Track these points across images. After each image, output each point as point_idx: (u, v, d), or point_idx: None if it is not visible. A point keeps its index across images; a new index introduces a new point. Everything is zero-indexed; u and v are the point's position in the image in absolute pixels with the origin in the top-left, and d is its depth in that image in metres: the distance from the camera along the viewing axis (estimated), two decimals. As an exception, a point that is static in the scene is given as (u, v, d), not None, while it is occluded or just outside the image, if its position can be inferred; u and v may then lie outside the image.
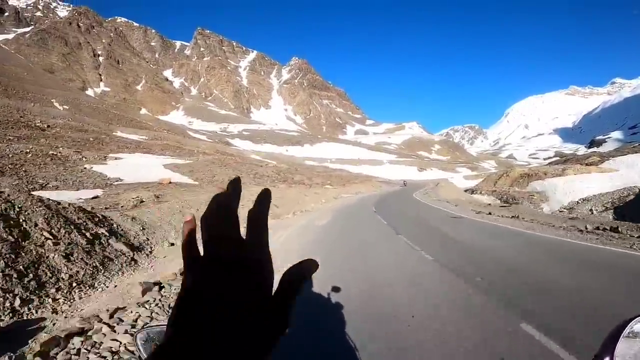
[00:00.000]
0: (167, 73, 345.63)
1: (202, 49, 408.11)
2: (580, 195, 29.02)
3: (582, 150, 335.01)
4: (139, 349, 1.18)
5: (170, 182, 16.92)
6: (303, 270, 0.45)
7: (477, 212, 21.50)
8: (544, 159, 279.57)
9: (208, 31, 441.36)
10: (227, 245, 0.46)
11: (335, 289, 6.10)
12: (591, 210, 25.12)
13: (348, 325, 4.64)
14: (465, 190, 50.23)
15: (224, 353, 0.39)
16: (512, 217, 18.88)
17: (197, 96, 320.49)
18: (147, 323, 5.10)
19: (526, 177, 41.72)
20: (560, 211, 24.75)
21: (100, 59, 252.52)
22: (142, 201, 13.55)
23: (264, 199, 0.48)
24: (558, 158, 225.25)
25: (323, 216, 18.74)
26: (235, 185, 0.49)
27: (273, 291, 0.46)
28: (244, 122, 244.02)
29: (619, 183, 29.07)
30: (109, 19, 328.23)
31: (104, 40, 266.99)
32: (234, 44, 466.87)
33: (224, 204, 0.47)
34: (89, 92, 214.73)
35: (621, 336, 0.99)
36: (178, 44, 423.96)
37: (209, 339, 0.40)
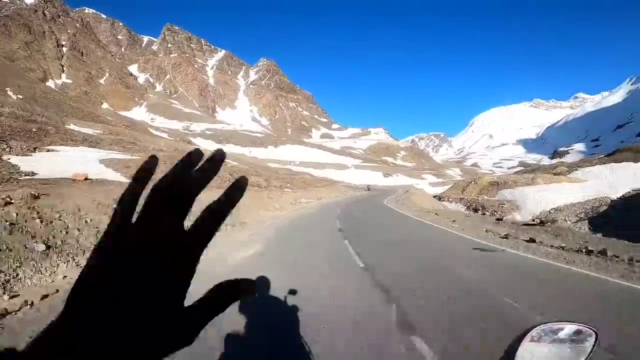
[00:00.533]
0: (133, 68, 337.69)
1: (169, 45, 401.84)
2: (551, 205, 28.23)
3: (545, 160, 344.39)
4: None
5: (86, 179, 15.86)
6: (236, 290, 0.43)
7: (502, 236, 13.81)
8: (508, 168, 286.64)
9: (177, 27, 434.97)
10: (161, 230, 0.41)
11: None
12: (565, 219, 24.53)
13: None
14: (433, 197, 49.20)
15: (102, 352, 0.35)
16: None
17: (162, 93, 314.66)
18: None
19: (495, 185, 41.11)
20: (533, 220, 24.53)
21: (64, 49, 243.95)
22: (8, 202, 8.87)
23: (236, 189, 0.44)
24: (522, 167, 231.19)
25: (256, 238, 12.16)
26: (203, 168, 0.43)
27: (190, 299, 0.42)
28: (208, 121, 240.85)
29: (591, 193, 28.84)
30: (77, 9, 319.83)
31: (69, 31, 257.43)
32: (203, 41, 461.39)
33: (184, 179, 0.42)
34: (50, 83, 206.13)
35: (522, 343, 1.03)
36: (146, 39, 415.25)
37: (93, 336, 0.36)
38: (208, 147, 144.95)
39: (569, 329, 1.06)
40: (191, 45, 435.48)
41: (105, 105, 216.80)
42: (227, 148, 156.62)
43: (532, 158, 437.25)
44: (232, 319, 4.16)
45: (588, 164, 47.22)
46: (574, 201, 27.70)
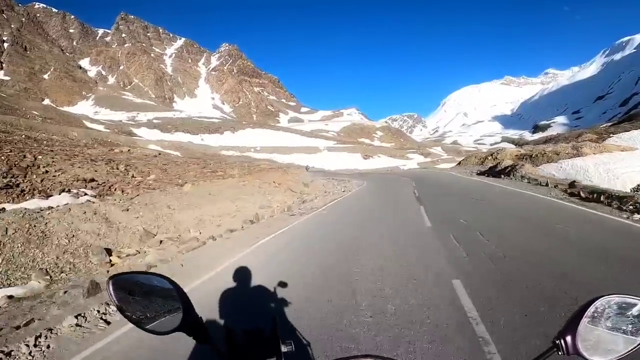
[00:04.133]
0: (85, 61, 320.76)
1: (123, 35, 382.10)
2: (630, 182, 20.21)
3: (527, 135, 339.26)
4: (111, 294, 1.21)
5: None
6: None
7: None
8: (491, 145, 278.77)
9: (132, 16, 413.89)
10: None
11: None
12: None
13: None
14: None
15: None
16: None
17: (115, 85, 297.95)
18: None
19: (526, 159, 33.67)
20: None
21: (5, 45, 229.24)
22: None
23: None
24: (506, 143, 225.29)
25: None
26: None
27: None
28: (159, 110, 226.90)
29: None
30: (27, 5, 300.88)
31: (12, 26, 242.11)
32: (160, 30, 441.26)
33: None
34: None
35: (584, 315, 0.96)
36: (101, 31, 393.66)
37: None
38: (152, 137, 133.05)
39: (634, 303, 0.97)
40: (148, 34, 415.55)
41: (46, 102, 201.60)
42: (175, 136, 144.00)
43: (512, 133, 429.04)
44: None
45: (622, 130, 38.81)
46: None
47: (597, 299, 0.96)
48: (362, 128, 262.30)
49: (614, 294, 0.97)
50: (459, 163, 50.96)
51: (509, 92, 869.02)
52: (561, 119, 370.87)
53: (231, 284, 6.32)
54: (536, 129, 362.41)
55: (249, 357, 1.21)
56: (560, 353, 1.03)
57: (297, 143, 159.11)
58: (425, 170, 50.48)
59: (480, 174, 33.76)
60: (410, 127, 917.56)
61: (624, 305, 0.96)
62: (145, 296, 1.21)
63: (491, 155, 42.61)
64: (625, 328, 0.97)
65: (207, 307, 5.51)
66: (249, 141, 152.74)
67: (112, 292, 1.20)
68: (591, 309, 0.96)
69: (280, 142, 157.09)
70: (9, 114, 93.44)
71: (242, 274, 7.02)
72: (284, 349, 1.22)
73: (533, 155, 34.67)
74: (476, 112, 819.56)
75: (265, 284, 6.06)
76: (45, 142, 38.28)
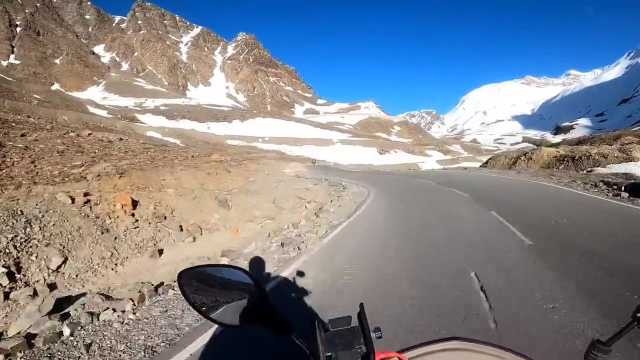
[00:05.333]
0: (100, 48, 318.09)
1: (139, 22, 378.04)
2: None
3: (548, 136, 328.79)
4: (181, 289, 1.20)
5: None
6: None
7: None
8: (511, 144, 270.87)
9: (149, 3, 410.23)
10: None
11: None
12: None
13: None
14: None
15: None
16: None
17: (128, 72, 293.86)
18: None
19: (570, 161, 30.41)
20: None
21: (18, 29, 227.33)
22: None
23: None
24: (527, 143, 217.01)
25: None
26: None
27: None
28: (169, 97, 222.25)
29: None
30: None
31: (27, 10, 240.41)
32: (177, 18, 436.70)
33: None
34: None
35: None
36: (117, 18, 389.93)
37: None
38: (156, 123, 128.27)
39: None
40: (164, 22, 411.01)
41: (55, 86, 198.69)
42: (180, 124, 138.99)
43: (533, 134, 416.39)
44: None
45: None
46: None
47: None
48: (379, 122, 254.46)
49: None
50: (486, 163, 44.46)
51: (530, 92, 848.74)
52: (584, 121, 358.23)
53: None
54: (558, 130, 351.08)
55: (337, 346, 1.14)
56: None
57: (310, 134, 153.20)
58: (462, 172, 33.13)
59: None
60: (428, 124, 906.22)
61: None
62: (218, 289, 1.17)
63: (524, 155, 37.40)
64: None
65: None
66: (258, 131, 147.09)
67: (183, 286, 1.19)
68: None
69: (291, 133, 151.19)
70: (5, 97, 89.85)
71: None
72: (373, 336, 1.16)
73: (576, 158, 30.49)
74: (495, 111, 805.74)
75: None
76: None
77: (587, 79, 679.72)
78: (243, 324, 1.12)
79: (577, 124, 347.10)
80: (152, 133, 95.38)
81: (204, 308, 1.15)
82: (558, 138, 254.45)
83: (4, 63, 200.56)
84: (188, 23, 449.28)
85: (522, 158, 36.57)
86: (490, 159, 46.21)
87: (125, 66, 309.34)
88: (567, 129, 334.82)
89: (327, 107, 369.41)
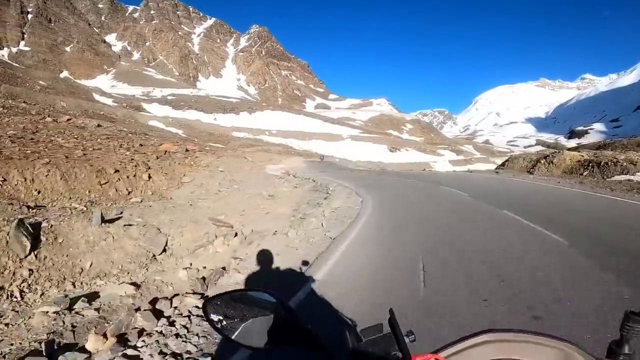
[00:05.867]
0: (112, 37, 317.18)
1: (152, 12, 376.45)
2: None
3: (562, 140, 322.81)
4: (209, 318, 1.18)
5: None
6: None
7: None
8: (525, 147, 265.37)
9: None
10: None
11: None
12: None
13: None
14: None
15: None
16: None
17: (139, 61, 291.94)
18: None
19: (595, 167, 27.34)
20: None
21: (30, 16, 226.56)
22: None
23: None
24: (541, 147, 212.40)
25: None
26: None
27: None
28: (178, 87, 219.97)
29: None
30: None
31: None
32: (191, 9, 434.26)
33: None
34: (4, 51, 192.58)
35: None
36: (130, 8, 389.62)
37: None
38: (162, 112, 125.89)
39: None
40: (177, 12, 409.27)
41: (64, 74, 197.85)
42: (186, 114, 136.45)
43: (547, 137, 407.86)
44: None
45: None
46: None
47: None
48: (391, 119, 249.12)
49: None
50: (503, 165, 40.98)
51: (544, 95, 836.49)
52: (599, 126, 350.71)
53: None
54: (572, 134, 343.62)
55: (373, 357, 1.12)
56: None
57: (319, 129, 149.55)
58: (489, 176, 29.76)
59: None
60: (441, 123, 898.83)
61: None
62: (246, 313, 1.16)
63: (545, 158, 33.84)
64: None
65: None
66: (266, 124, 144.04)
67: (209, 315, 1.18)
68: None
69: (300, 127, 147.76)
70: (8, 83, 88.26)
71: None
72: (407, 340, 1.12)
73: (602, 163, 27.24)
74: (509, 112, 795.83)
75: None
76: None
77: (603, 83, 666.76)
78: (274, 345, 1.11)
79: (591, 129, 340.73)
80: (154, 122, 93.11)
81: (235, 334, 1.13)
82: (572, 142, 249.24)
83: (14, 49, 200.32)
84: (201, 14, 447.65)
85: (542, 162, 33.51)
86: (506, 161, 42.73)
87: (136, 55, 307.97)
88: (581, 134, 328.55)
89: (339, 102, 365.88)
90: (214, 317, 1.17)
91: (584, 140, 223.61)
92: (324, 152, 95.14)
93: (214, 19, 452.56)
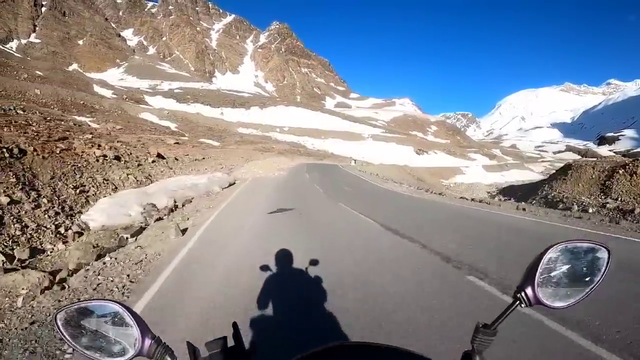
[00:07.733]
0: (129, 32, 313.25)
1: (170, 7, 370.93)
2: None
3: (592, 146, 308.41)
4: (59, 329, 1.05)
5: None
6: None
7: None
8: (554, 153, 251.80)
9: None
10: None
11: None
12: None
13: None
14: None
15: None
16: None
17: (154, 56, 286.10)
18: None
19: None
20: None
21: (43, 9, 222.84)
22: None
23: None
24: (572, 153, 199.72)
25: None
26: None
27: None
28: (188, 81, 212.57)
29: None
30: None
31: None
32: (210, 5, 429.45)
33: None
34: (13, 43, 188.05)
35: (539, 266, 1.00)
36: (149, 4, 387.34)
37: None
38: (165, 105, 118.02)
39: (585, 246, 1.03)
40: (196, 8, 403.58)
41: (73, 67, 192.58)
42: (190, 107, 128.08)
43: (575, 143, 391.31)
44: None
45: None
46: None
47: (549, 248, 1.00)
48: (415, 120, 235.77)
49: (564, 241, 1.02)
50: (565, 174, 28.46)
51: (569, 100, 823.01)
52: (630, 133, 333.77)
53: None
54: (602, 140, 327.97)
55: None
56: (523, 305, 1.06)
57: (337, 127, 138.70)
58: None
59: None
60: (464, 127, 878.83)
61: (575, 250, 1.02)
62: (99, 326, 1.07)
63: (623, 168, 24.61)
64: (580, 272, 1.02)
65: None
66: (279, 120, 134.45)
67: (61, 328, 1.06)
68: (545, 258, 0.99)
69: (316, 124, 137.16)
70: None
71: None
72: (249, 353, 1.15)
73: None
74: (533, 117, 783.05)
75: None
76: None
77: (630, 89, 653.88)
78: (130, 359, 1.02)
79: (622, 135, 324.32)
80: (146, 115, 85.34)
81: (88, 348, 1.03)
82: (603, 149, 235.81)
83: (23, 41, 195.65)
84: (221, 11, 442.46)
85: (619, 172, 23.47)
86: (570, 170, 29.98)
87: (152, 50, 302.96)
88: (612, 140, 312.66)
89: (360, 101, 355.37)
90: (65, 331, 1.06)
91: (616, 147, 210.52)
92: (341, 153, 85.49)
93: (233, 15, 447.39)
